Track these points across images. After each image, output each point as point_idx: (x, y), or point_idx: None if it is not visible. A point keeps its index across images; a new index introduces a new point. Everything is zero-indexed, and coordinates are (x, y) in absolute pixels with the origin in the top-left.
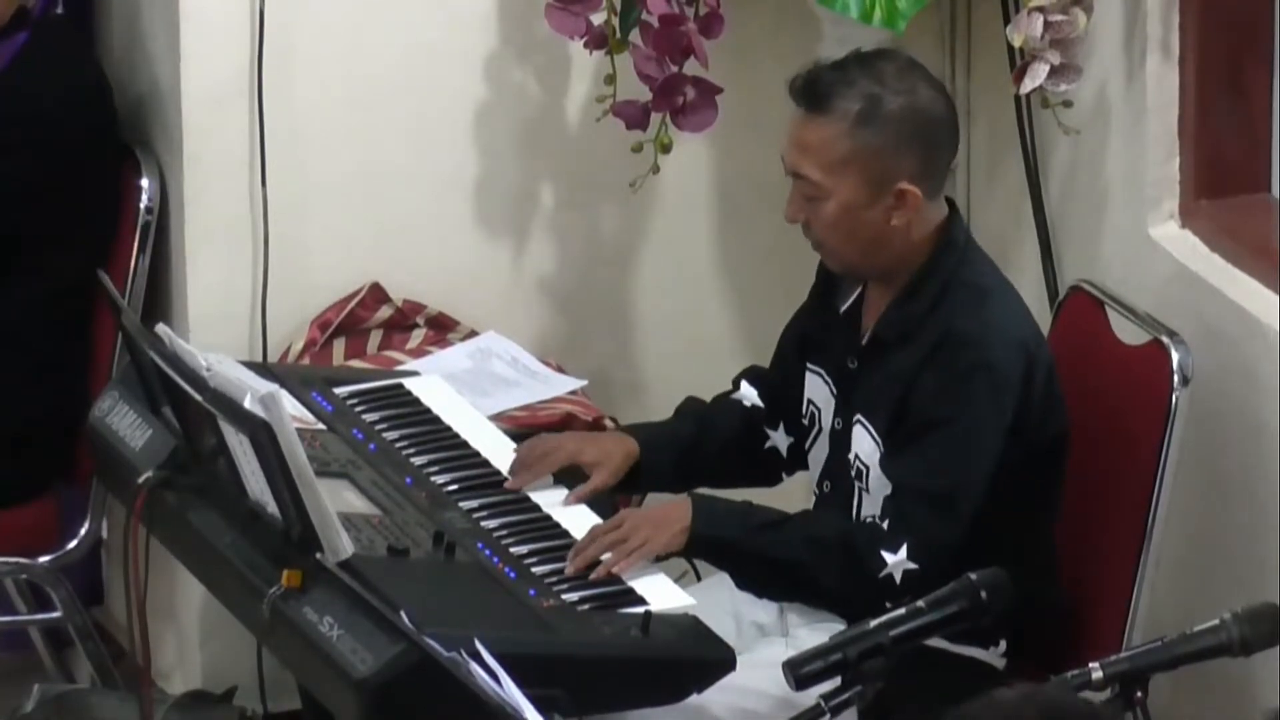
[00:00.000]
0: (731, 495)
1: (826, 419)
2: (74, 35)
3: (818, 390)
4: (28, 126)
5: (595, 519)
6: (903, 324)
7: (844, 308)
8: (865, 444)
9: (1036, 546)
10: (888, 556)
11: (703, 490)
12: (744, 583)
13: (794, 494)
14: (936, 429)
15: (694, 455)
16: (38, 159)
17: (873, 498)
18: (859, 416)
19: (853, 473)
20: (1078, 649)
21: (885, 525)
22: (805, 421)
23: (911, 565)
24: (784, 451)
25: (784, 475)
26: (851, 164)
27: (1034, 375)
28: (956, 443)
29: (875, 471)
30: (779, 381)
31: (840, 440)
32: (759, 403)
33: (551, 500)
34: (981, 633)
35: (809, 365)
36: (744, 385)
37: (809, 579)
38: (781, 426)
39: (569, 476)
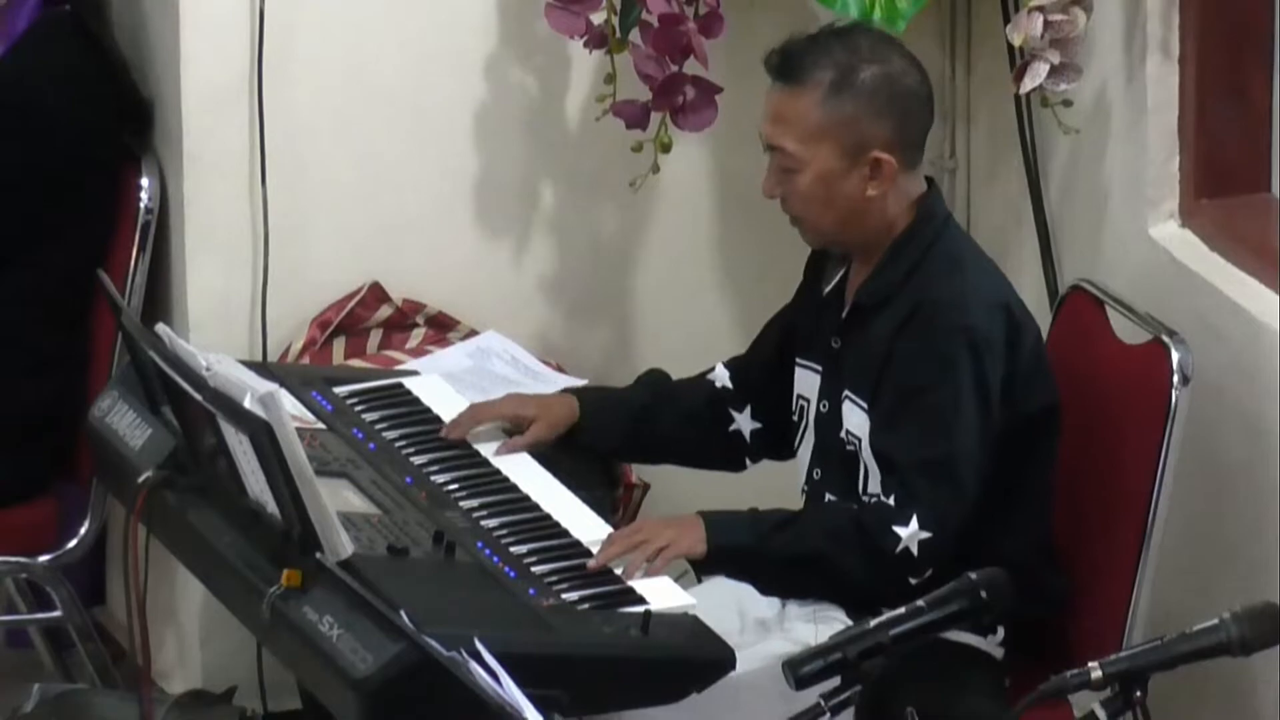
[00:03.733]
0: (736, 504)
1: (812, 409)
2: (77, 27)
3: (807, 383)
4: (23, 116)
5: (598, 520)
6: (879, 291)
7: (828, 290)
8: (855, 417)
9: (1034, 523)
10: (900, 531)
11: (706, 505)
12: (768, 587)
13: (787, 489)
14: (921, 397)
15: (645, 423)
16: (33, 149)
17: (874, 467)
18: (846, 391)
19: (848, 448)
20: (1078, 648)
21: (891, 501)
22: (795, 417)
23: (925, 535)
24: (747, 436)
25: (747, 461)
26: (826, 133)
27: (1019, 339)
28: (943, 408)
29: (869, 440)
30: (753, 367)
31: (827, 422)
32: (729, 384)
33: (530, 478)
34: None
35: (798, 361)
36: (719, 367)
37: (832, 569)
38: (748, 410)
39: (546, 461)
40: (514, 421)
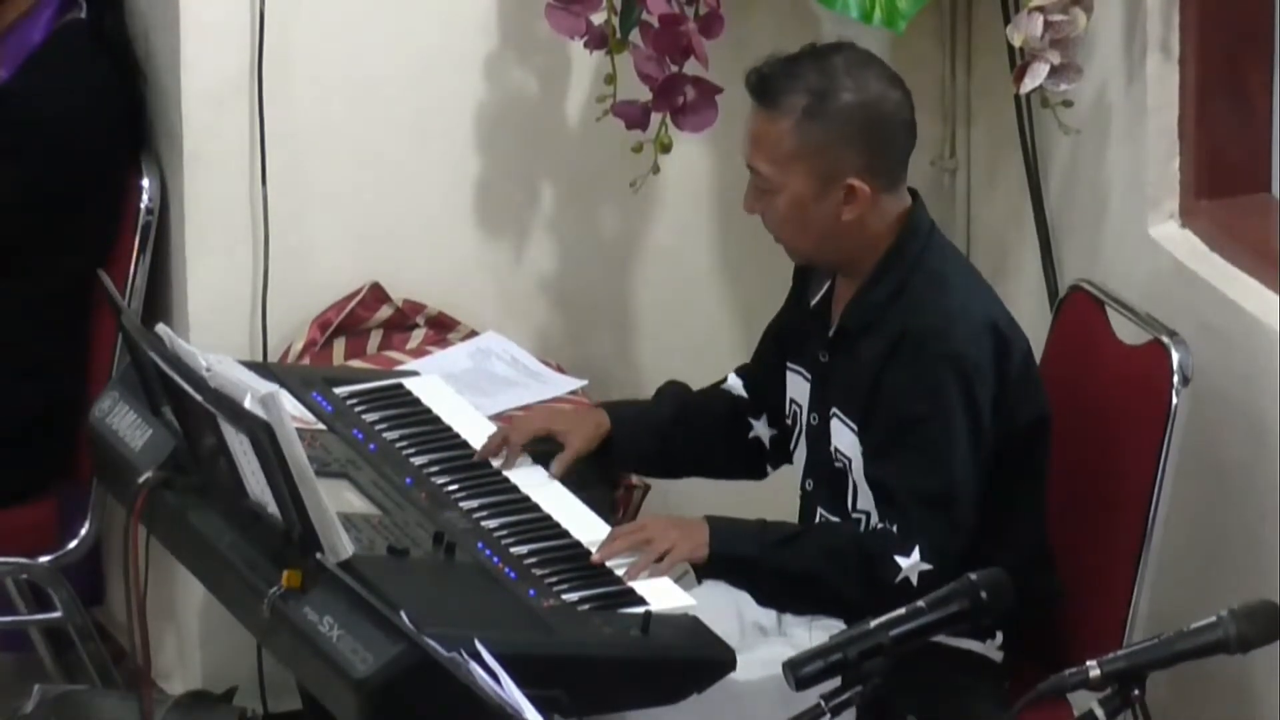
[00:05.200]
0: (735, 505)
1: (804, 417)
2: (94, 37)
3: (798, 389)
4: (35, 132)
5: (598, 520)
6: (865, 313)
7: (814, 302)
8: (844, 436)
9: (1027, 532)
10: (901, 561)
11: (704, 506)
12: (764, 599)
13: (784, 493)
14: (915, 429)
15: (672, 437)
16: (47, 164)
17: (864, 488)
18: (834, 409)
19: (837, 465)
20: (1078, 649)
21: (894, 529)
22: (789, 421)
23: (926, 566)
24: (767, 443)
25: (769, 468)
26: (798, 158)
27: (1008, 355)
28: (938, 440)
29: (859, 462)
30: (760, 375)
31: (818, 435)
32: (743, 394)
33: (530, 479)
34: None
35: (789, 365)
36: (731, 376)
37: (829, 591)
38: (765, 418)
39: (547, 461)
40: (543, 436)
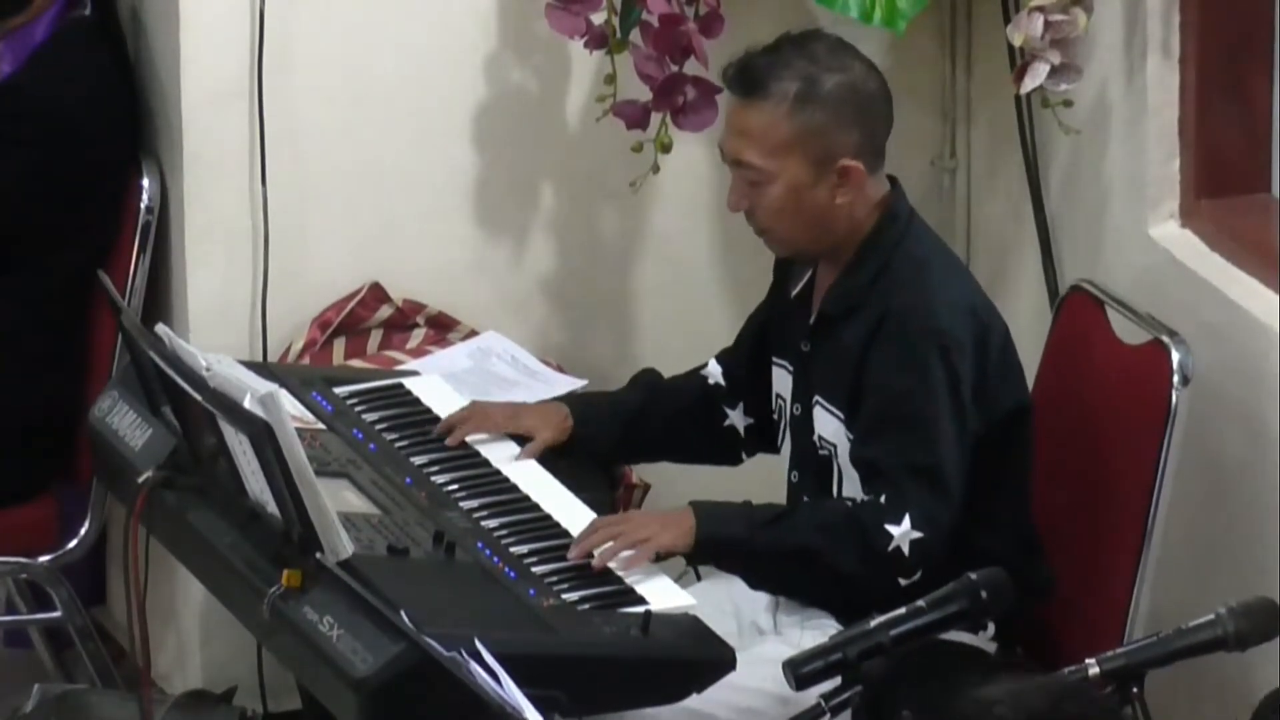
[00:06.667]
0: (720, 491)
1: (788, 410)
2: (97, 38)
3: (782, 382)
4: (38, 125)
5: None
6: (847, 297)
7: (795, 292)
8: (828, 424)
9: (1012, 522)
10: (892, 529)
11: (683, 488)
12: (757, 581)
13: (769, 480)
14: (899, 405)
15: (638, 426)
16: (46, 159)
17: (851, 475)
18: (817, 398)
19: (822, 453)
20: (1078, 648)
21: (883, 500)
22: (775, 416)
23: (917, 534)
24: (742, 431)
25: (743, 455)
26: (794, 145)
27: (988, 340)
28: (923, 415)
29: (845, 448)
30: (737, 363)
31: (801, 425)
32: (721, 381)
33: (529, 478)
34: None
35: (773, 360)
36: (712, 363)
37: (823, 564)
38: (741, 407)
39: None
40: (513, 432)
